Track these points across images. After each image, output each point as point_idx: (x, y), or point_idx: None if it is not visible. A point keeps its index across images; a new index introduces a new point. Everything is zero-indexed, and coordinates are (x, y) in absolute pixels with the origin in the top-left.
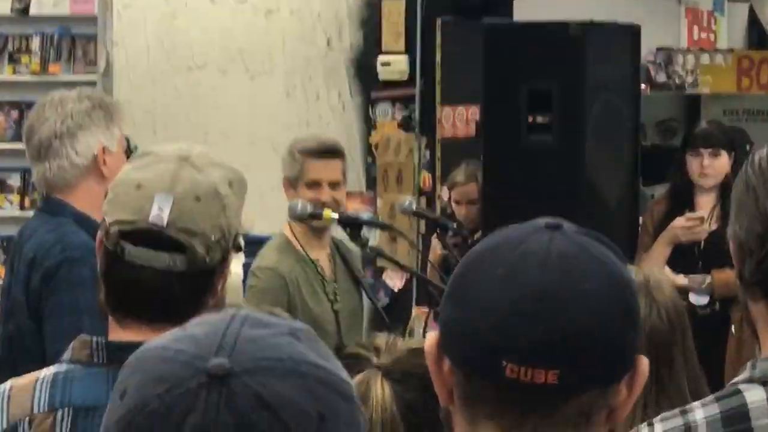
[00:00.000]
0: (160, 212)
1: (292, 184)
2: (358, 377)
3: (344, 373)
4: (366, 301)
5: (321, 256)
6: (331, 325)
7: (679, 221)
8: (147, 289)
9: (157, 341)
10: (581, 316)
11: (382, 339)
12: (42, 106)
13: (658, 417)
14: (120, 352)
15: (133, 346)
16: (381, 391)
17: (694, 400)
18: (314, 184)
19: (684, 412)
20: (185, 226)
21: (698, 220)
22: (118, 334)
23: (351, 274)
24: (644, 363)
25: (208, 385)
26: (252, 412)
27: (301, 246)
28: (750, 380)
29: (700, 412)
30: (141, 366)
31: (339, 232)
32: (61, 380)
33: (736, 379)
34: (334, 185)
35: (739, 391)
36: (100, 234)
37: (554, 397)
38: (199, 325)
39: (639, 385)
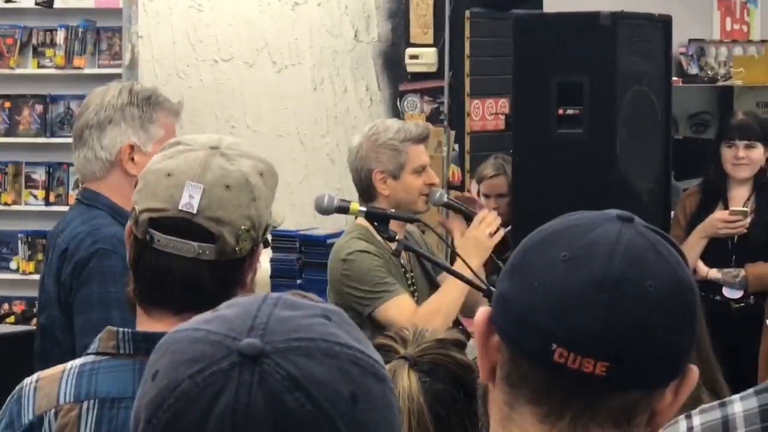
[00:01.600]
0: (190, 200)
1: (393, 175)
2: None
3: (377, 355)
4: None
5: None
6: None
7: (722, 215)
8: (175, 277)
9: (189, 323)
10: (640, 312)
11: (409, 330)
12: (91, 94)
13: (697, 409)
14: (146, 343)
15: (159, 337)
16: (408, 381)
17: (709, 390)
18: (421, 169)
19: (723, 405)
20: (215, 214)
21: (741, 215)
22: (145, 324)
23: (422, 266)
24: (694, 372)
25: (240, 365)
26: (285, 392)
27: (380, 237)
28: None
29: (738, 405)
30: (172, 347)
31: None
32: (88, 372)
33: None
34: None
35: None
36: (129, 222)
37: (599, 391)
38: (231, 306)
39: (685, 393)
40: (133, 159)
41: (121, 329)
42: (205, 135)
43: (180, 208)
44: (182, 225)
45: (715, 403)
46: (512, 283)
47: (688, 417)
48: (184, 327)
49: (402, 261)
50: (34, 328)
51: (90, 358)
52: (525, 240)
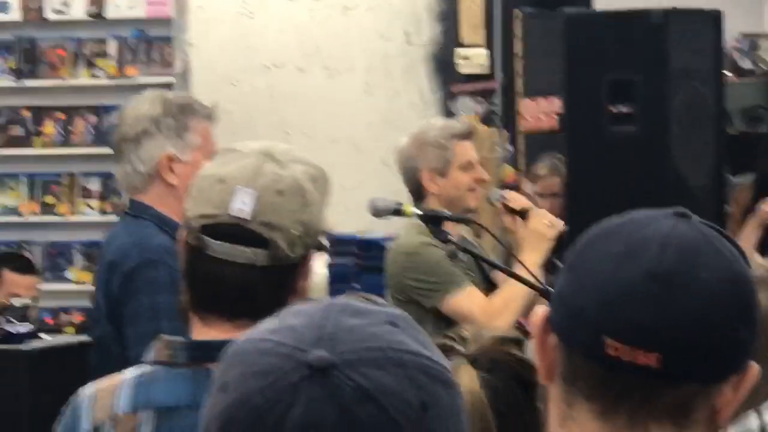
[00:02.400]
0: (242, 205)
1: (440, 172)
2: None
3: (445, 361)
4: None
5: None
6: None
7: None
8: (229, 284)
9: (255, 332)
10: (693, 304)
11: (468, 329)
12: (127, 107)
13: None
14: (202, 351)
15: (215, 345)
16: (469, 379)
17: None
18: (468, 165)
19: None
20: (267, 220)
21: None
22: (200, 332)
23: (478, 266)
24: (755, 369)
25: (309, 378)
26: (356, 404)
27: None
28: None
29: None
30: (240, 359)
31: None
32: (144, 381)
33: None
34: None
35: None
36: (182, 230)
37: (653, 385)
38: (296, 315)
39: (745, 389)
40: (172, 169)
41: (176, 338)
42: (257, 142)
43: (232, 213)
44: (235, 231)
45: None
46: (567, 280)
47: (758, 412)
48: (251, 337)
49: (462, 260)
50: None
51: (146, 368)
52: (581, 238)
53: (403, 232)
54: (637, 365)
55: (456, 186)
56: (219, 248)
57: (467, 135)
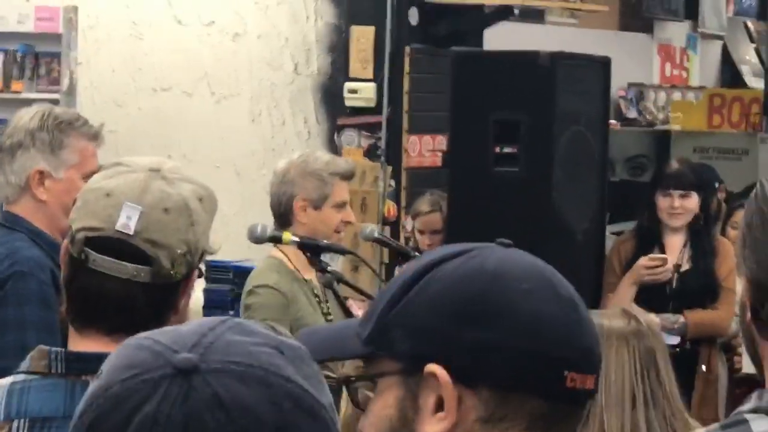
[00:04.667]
0: (127, 221)
1: (314, 204)
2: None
3: (325, 397)
4: None
5: (312, 275)
6: None
7: (643, 261)
8: (109, 298)
9: (148, 332)
10: (592, 323)
11: None
12: (13, 117)
13: None
14: (79, 362)
15: (91, 357)
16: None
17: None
18: (342, 205)
19: None
20: (152, 237)
21: (660, 261)
22: (77, 344)
23: (336, 295)
24: None
25: (171, 377)
26: (206, 410)
27: (294, 267)
28: (756, 410)
29: None
30: (121, 351)
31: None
32: (18, 390)
33: (740, 409)
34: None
35: (745, 421)
36: (65, 241)
37: (580, 406)
38: (191, 324)
39: None
40: (43, 184)
41: (53, 348)
42: (147, 158)
43: (117, 228)
44: (118, 246)
45: None
46: (486, 330)
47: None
48: (142, 334)
49: (317, 292)
50: None
51: (21, 377)
52: (458, 290)
53: (258, 266)
54: (585, 390)
55: (325, 222)
56: (102, 262)
57: (348, 176)
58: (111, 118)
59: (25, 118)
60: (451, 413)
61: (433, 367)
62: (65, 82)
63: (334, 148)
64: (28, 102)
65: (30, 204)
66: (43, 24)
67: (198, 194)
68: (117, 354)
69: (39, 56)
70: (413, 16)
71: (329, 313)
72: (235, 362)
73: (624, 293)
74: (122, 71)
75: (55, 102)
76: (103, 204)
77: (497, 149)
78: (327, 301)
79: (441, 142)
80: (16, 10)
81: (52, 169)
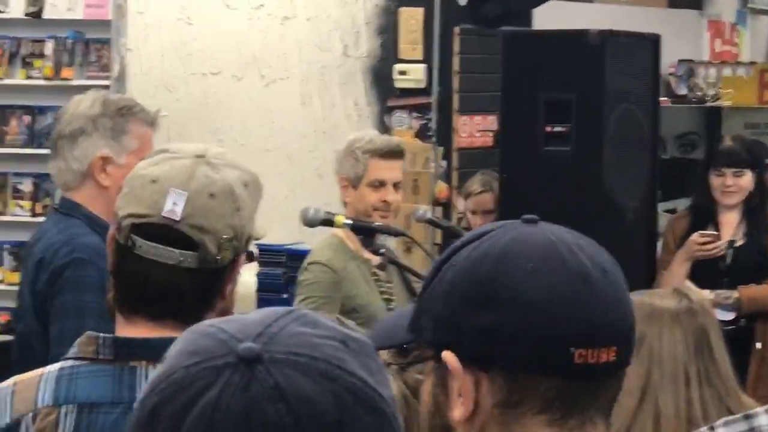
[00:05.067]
0: (174, 207)
1: (352, 183)
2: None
3: (386, 390)
4: None
5: (374, 257)
6: None
7: (694, 237)
8: (156, 284)
9: (214, 320)
10: (616, 294)
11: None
12: (68, 104)
13: (721, 420)
14: (126, 348)
15: (139, 342)
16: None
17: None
18: (379, 185)
19: (748, 417)
20: (198, 222)
21: (711, 236)
22: (123, 330)
23: (404, 279)
24: None
25: (234, 366)
26: (266, 400)
27: (355, 246)
28: None
29: (764, 417)
30: (186, 337)
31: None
32: (66, 376)
33: None
34: (396, 186)
35: None
36: (112, 228)
37: (604, 379)
38: (257, 313)
39: None
40: (105, 170)
41: (101, 334)
42: (192, 144)
43: (163, 214)
44: (165, 232)
45: (740, 415)
46: (494, 312)
47: (711, 429)
48: (208, 321)
49: (377, 272)
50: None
51: (69, 363)
52: (469, 272)
53: (316, 245)
54: (600, 364)
55: (362, 201)
56: (148, 248)
57: (387, 154)
58: (161, 104)
59: (85, 104)
60: (467, 398)
61: (446, 354)
62: (115, 69)
63: (385, 130)
64: (79, 89)
65: (91, 190)
66: (92, 11)
67: (243, 180)
68: (182, 340)
69: (89, 43)
70: None
71: (390, 294)
72: (298, 353)
73: (677, 270)
74: (171, 56)
75: (106, 88)
76: (150, 190)
77: (547, 128)
78: (389, 282)
79: (491, 122)
80: None
81: (115, 154)
